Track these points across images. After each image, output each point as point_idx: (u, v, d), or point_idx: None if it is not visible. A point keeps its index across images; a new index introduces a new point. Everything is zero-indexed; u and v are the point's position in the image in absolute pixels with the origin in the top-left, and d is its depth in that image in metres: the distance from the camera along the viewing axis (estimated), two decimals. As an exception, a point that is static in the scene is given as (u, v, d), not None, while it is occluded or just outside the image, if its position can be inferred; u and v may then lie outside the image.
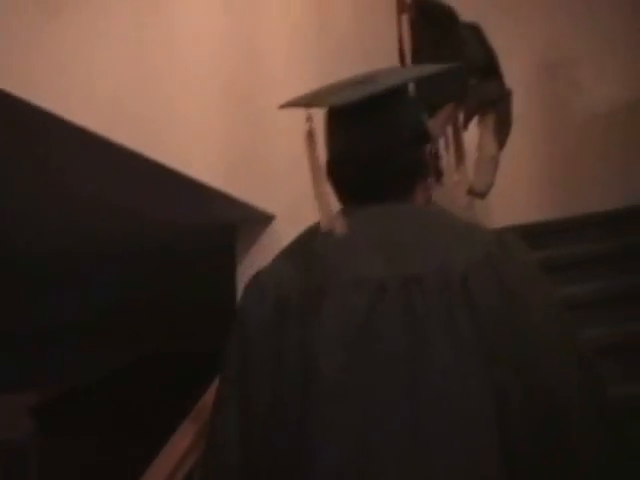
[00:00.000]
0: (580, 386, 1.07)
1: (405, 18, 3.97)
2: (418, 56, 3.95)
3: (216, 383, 1.31)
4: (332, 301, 1.16)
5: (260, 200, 2.26)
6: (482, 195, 4.25)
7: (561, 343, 1.10)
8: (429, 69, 1.40)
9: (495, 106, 4.30)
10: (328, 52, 2.87)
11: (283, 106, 1.33)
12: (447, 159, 4.17)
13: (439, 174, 1.38)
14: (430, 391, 1.06)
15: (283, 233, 2.33)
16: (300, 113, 1.26)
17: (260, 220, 2.30)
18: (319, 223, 1.23)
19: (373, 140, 1.26)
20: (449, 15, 4.26)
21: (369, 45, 3.39)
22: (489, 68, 4.29)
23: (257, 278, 1.26)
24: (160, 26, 1.87)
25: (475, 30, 4.43)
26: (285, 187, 2.41)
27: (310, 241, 1.28)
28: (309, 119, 1.24)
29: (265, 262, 2.36)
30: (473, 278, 1.12)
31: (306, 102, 1.32)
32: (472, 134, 4.44)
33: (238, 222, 2.32)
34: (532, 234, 3.57)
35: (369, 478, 1.05)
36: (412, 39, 3.96)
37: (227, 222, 2.30)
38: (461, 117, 4.35)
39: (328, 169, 1.27)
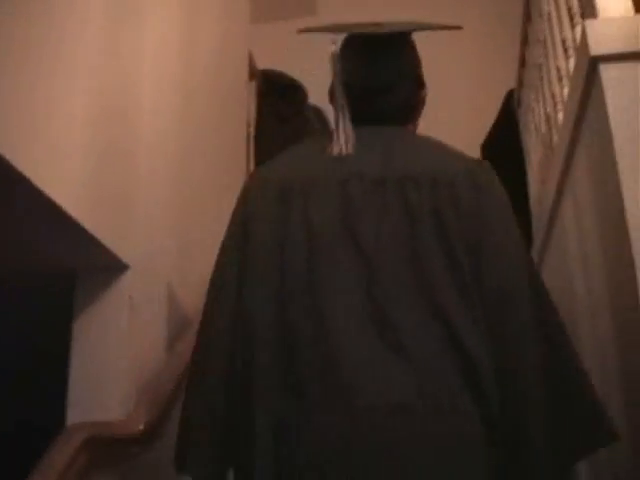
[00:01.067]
0: (524, 265, 1.41)
1: (253, 85, 3.77)
2: (262, 126, 3.73)
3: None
4: (334, 189, 1.39)
5: (114, 245, 1.86)
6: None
7: (513, 234, 1.43)
8: (430, 25, 1.68)
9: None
10: (192, 90, 2.58)
11: (307, 30, 1.69)
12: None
13: None
14: (420, 262, 1.34)
15: (134, 287, 1.95)
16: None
17: (111, 268, 1.90)
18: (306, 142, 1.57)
19: (386, 73, 1.53)
20: (299, 93, 4.13)
21: (227, 110, 3.11)
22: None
23: (258, 174, 1.50)
24: (43, 75, 1.60)
25: (319, 113, 4.31)
26: (144, 235, 2.04)
27: (308, 147, 1.54)
28: (334, 42, 1.55)
29: (109, 320, 1.95)
30: (457, 181, 1.41)
31: (341, 29, 1.59)
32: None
33: (83, 265, 1.89)
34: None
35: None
36: (257, 107, 3.75)
37: (69, 263, 1.87)
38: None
39: (345, 91, 1.50)
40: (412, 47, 1.61)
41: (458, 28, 1.68)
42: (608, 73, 1.90)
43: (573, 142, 2.29)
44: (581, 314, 2.43)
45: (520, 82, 3.89)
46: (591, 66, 1.93)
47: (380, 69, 1.53)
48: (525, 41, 3.60)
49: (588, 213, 2.22)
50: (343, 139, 1.47)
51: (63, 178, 1.65)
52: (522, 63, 3.76)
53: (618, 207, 1.82)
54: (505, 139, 4.21)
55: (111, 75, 1.93)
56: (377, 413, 1.23)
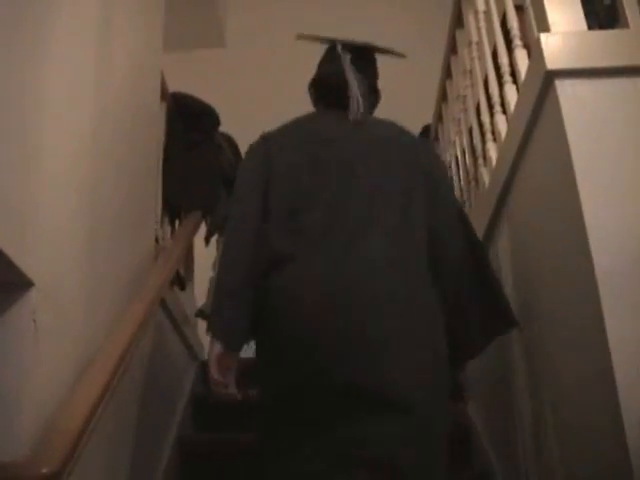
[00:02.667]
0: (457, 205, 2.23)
1: (164, 106, 3.55)
2: (170, 150, 3.51)
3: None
4: (333, 143, 2.10)
5: (16, 258, 1.62)
6: (212, 318, 3.81)
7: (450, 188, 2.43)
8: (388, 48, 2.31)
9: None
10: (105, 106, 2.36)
11: (300, 37, 2.39)
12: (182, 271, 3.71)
13: None
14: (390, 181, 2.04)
15: (39, 308, 1.70)
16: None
17: (12, 284, 1.65)
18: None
19: (357, 75, 2.18)
20: (210, 119, 3.93)
21: (141, 129, 2.90)
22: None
23: (272, 133, 2.23)
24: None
25: (230, 140, 4.13)
26: (50, 250, 1.80)
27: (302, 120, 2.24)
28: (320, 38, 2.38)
29: (10, 346, 1.67)
30: (418, 146, 2.17)
31: (325, 39, 2.36)
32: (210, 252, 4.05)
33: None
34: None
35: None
36: (166, 130, 3.53)
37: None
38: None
39: (317, 84, 2.30)
40: (374, 63, 2.30)
41: (403, 56, 2.33)
42: (564, 89, 1.81)
43: (515, 164, 2.20)
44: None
45: (439, 116, 3.83)
46: (546, 81, 1.83)
47: (347, 72, 2.18)
48: (448, 73, 3.54)
49: (533, 240, 2.12)
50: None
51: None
52: (443, 96, 3.70)
53: (578, 231, 1.71)
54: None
55: (11, 85, 1.69)
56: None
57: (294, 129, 2.20)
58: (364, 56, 2.23)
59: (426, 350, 1.82)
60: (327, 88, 2.22)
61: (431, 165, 2.11)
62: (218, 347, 1.92)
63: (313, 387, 1.78)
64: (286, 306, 1.86)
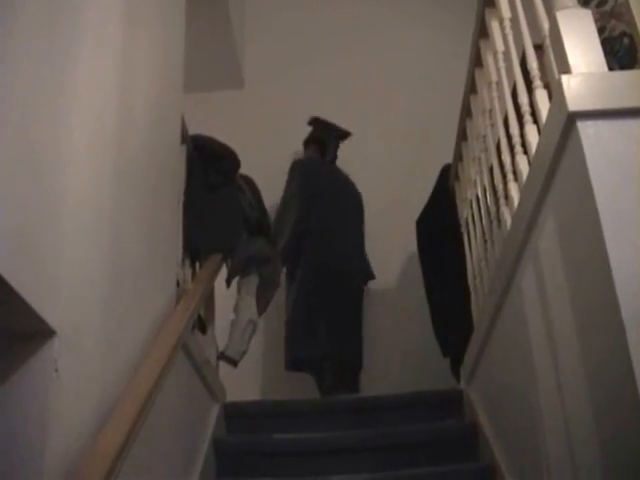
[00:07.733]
0: None
1: (184, 149, 3.57)
2: (190, 193, 3.52)
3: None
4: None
5: (38, 305, 1.61)
6: (234, 362, 3.79)
7: None
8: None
9: (260, 267, 3.96)
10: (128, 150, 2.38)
11: None
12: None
13: None
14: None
15: (60, 357, 1.69)
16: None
17: (34, 333, 1.64)
18: None
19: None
20: (230, 162, 3.94)
21: (163, 173, 2.91)
22: (260, 224, 3.98)
23: (304, 161, 5.18)
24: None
25: (250, 182, 4.14)
26: (71, 297, 1.80)
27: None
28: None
29: (31, 396, 1.65)
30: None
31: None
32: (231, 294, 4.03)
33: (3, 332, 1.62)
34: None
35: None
36: (187, 173, 3.54)
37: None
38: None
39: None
40: None
41: (349, 134, 5.14)
42: (586, 130, 1.79)
43: (538, 205, 2.17)
44: (544, 389, 2.28)
45: (459, 155, 3.82)
46: (568, 123, 1.82)
47: None
48: (467, 113, 3.54)
49: (558, 283, 2.09)
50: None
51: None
52: (463, 136, 3.69)
53: (604, 275, 1.68)
54: (440, 214, 4.13)
55: (40, 129, 1.70)
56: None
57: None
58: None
59: None
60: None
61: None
62: None
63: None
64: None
